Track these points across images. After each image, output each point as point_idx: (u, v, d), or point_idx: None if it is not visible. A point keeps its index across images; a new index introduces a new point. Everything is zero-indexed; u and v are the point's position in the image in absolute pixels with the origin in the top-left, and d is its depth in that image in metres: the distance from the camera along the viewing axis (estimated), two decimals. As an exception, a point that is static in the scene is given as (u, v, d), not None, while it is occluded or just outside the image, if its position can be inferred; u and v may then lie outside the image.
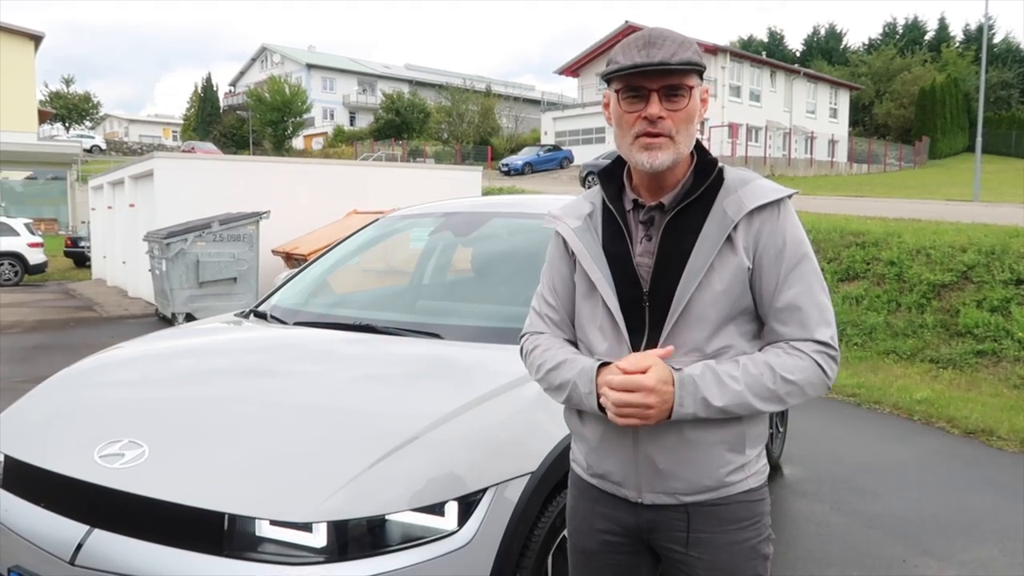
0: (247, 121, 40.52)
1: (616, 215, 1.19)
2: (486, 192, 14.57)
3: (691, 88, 1.11)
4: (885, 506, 3.11)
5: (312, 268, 2.83)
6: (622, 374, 1.07)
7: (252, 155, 31.50)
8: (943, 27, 45.62)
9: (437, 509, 1.43)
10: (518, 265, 2.49)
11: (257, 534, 1.38)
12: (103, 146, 37.28)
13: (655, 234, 1.16)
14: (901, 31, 45.68)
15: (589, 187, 1.40)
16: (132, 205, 10.72)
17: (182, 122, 51.31)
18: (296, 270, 2.88)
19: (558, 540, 1.65)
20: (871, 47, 44.74)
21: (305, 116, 38.83)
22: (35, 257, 13.81)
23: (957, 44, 43.05)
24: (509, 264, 2.59)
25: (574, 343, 1.25)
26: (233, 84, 51.27)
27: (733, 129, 27.27)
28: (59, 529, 1.48)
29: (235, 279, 8.00)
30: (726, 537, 1.16)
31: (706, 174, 1.16)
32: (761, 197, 1.13)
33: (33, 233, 14.27)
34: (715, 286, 1.12)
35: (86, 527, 1.45)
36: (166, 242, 7.59)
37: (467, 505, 1.46)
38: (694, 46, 1.11)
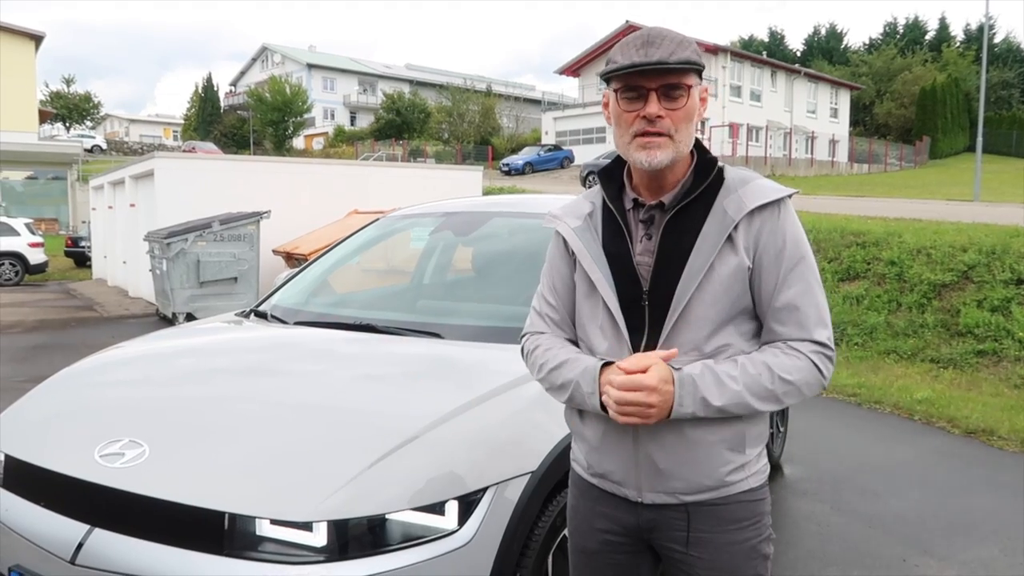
0: (248, 121, 40.55)
1: (616, 214, 1.20)
2: (487, 192, 14.57)
3: (690, 87, 1.11)
4: (886, 506, 3.11)
5: (312, 268, 2.83)
6: (624, 374, 1.07)
7: (253, 155, 31.50)
8: (944, 27, 45.60)
9: (437, 508, 1.43)
10: (518, 265, 2.49)
11: (257, 533, 1.38)
12: (104, 146, 37.30)
13: (655, 233, 1.16)
14: (902, 31, 45.65)
15: (589, 187, 1.40)
16: (133, 205, 10.73)
17: (183, 122, 51.33)
18: (296, 270, 2.88)
19: (558, 539, 1.65)
20: (872, 47, 44.71)
21: (306, 116, 38.84)
22: (36, 257, 13.82)
23: (958, 44, 43.03)
24: (509, 264, 2.59)
25: (575, 342, 1.25)
26: (234, 84, 51.30)
27: (734, 129, 27.26)
28: (60, 528, 1.48)
29: (236, 279, 8.01)
30: (726, 537, 1.16)
31: (706, 173, 1.17)
32: (762, 197, 1.14)
33: (34, 233, 14.28)
34: (715, 285, 1.12)
35: (86, 526, 1.45)
36: (167, 242, 7.60)
37: (467, 504, 1.46)
38: (693, 45, 1.11)
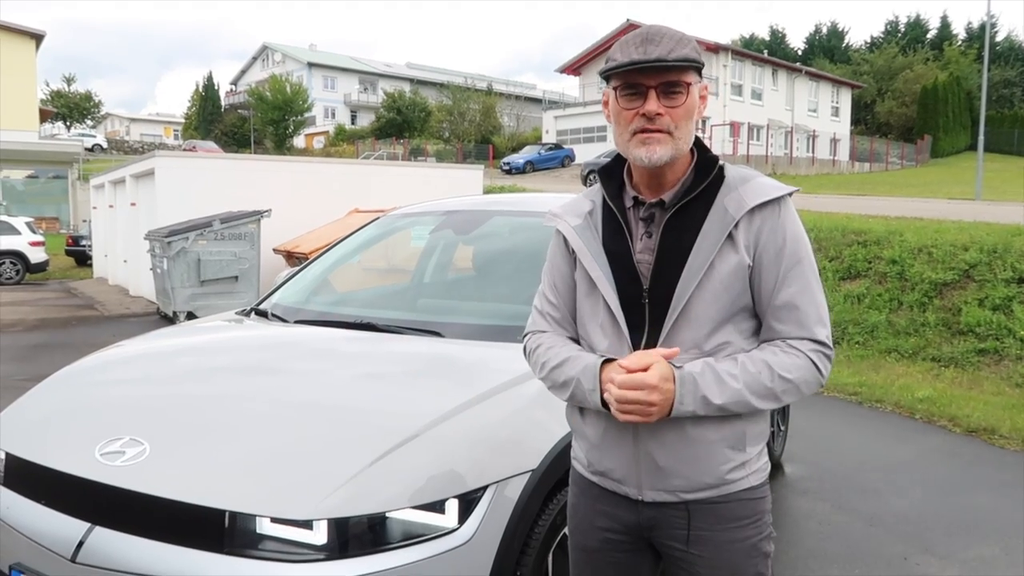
0: (248, 120, 40.56)
1: (616, 212, 1.19)
2: (487, 191, 14.57)
3: (689, 85, 1.11)
4: (886, 504, 3.10)
5: (313, 266, 2.83)
6: (625, 372, 1.07)
7: (253, 154, 31.52)
8: (945, 25, 45.53)
9: (438, 507, 1.43)
10: (519, 263, 2.48)
11: (258, 531, 1.38)
12: (104, 145, 37.32)
13: (655, 231, 1.16)
14: (903, 29, 45.57)
15: (590, 186, 1.40)
16: (133, 204, 10.74)
17: (183, 121, 51.34)
18: (297, 268, 2.88)
19: (559, 538, 1.65)
20: (873, 45, 44.64)
21: (306, 115, 38.85)
22: (36, 256, 13.83)
23: (959, 42, 42.95)
24: (510, 262, 2.59)
25: (577, 341, 1.25)
26: (234, 83, 51.30)
27: (735, 128, 27.23)
28: (60, 527, 1.48)
29: (236, 278, 8.01)
30: (727, 535, 1.16)
31: (707, 172, 1.16)
32: (762, 195, 1.13)
33: (34, 232, 14.29)
34: (715, 284, 1.12)
35: (87, 525, 1.45)
36: (167, 241, 7.60)
37: (468, 503, 1.46)
38: (692, 43, 1.11)
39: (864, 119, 39.43)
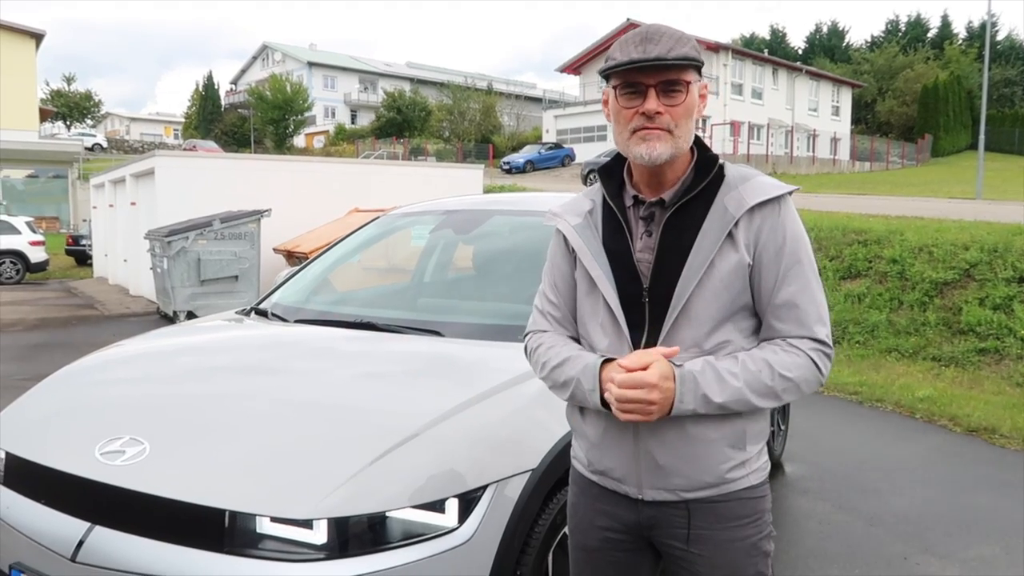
0: (248, 119, 40.55)
1: (616, 211, 1.19)
2: (487, 190, 14.56)
3: (688, 83, 1.11)
4: (887, 504, 3.10)
5: (313, 266, 2.83)
6: (625, 371, 1.07)
7: (253, 153, 31.51)
8: (946, 24, 45.49)
9: (438, 506, 1.43)
10: (519, 263, 2.48)
11: (258, 531, 1.38)
12: (104, 144, 37.31)
13: (655, 230, 1.16)
14: (904, 28, 45.55)
15: (590, 185, 1.40)
16: (133, 203, 10.73)
17: (183, 120, 51.35)
18: (297, 268, 2.88)
19: (559, 537, 1.65)
20: (873, 45, 44.61)
21: (306, 114, 38.84)
22: (36, 255, 13.82)
23: (960, 41, 42.92)
24: (510, 262, 2.59)
25: (578, 340, 1.25)
26: (234, 82, 51.29)
27: (735, 127, 27.22)
28: (60, 526, 1.48)
29: (236, 277, 8.01)
30: (727, 534, 1.16)
31: (707, 170, 1.16)
32: (762, 193, 1.13)
33: (34, 231, 14.29)
34: (715, 282, 1.12)
35: (87, 524, 1.45)
36: (167, 240, 7.60)
37: (468, 502, 1.46)
38: (692, 42, 1.11)
39: (864, 118, 39.41)
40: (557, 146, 29.06)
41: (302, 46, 50.23)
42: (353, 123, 45.44)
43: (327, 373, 1.93)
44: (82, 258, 16.06)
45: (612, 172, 1.23)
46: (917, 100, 36.16)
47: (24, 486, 1.62)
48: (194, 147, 31.22)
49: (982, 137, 18.89)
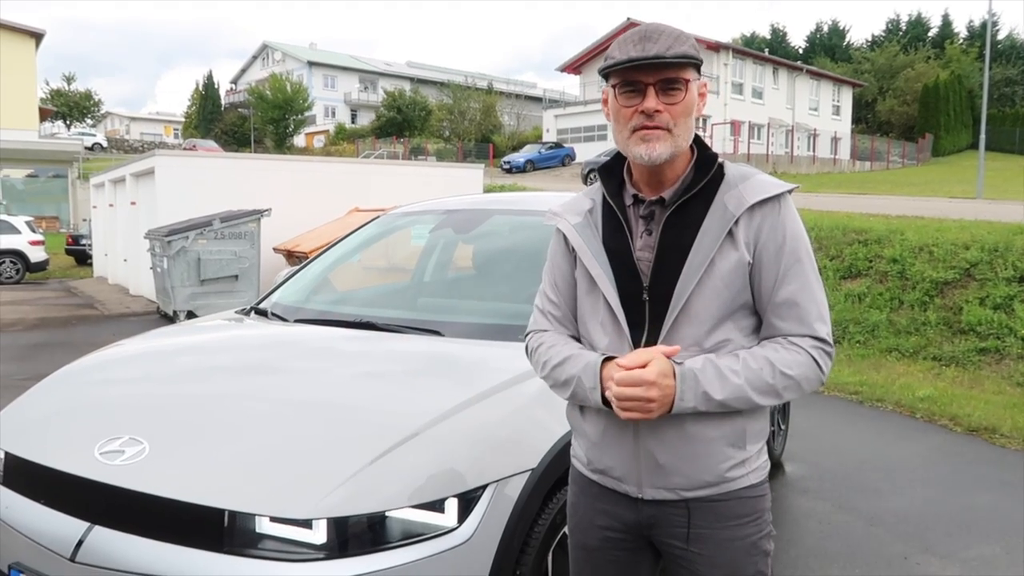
0: (248, 119, 40.55)
1: (616, 210, 1.19)
2: (488, 190, 14.56)
3: (687, 81, 1.11)
4: (887, 504, 3.10)
5: (313, 265, 2.82)
6: (623, 370, 1.07)
7: (253, 153, 31.50)
8: (947, 24, 45.46)
9: (437, 506, 1.43)
10: (519, 262, 2.48)
11: (257, 531, 1.38)
12: (104, 144, 37.32)
13: (655, 229, 1.16)
14: (904, 28, 45.52)
15: (590, 184, 1.40)
16: (133, 203, 10.74)
17: (183, 120, 51.37)
18: (297, 268, 2.88)
19: (558, 537, 1.65)
20: (874, 44, 44.59)
21: (306, 114, 38.85)
22: (36, 255, 13.83)
23: (961, 41, 42.89)
24: (510, 261, 2.59)
25: (578, 339, 1.25)
26: (234, 82, 51.29)
27: (735, 126, 27.21)
28: (59, 526, 1.48)
29: (236, 277, 8.01)
30: (727, 533, 1.16)
31: (706, 169, 1.16)
32: (762, 192, 1.13)
33: (34, 231, 14.29)
34: (715, 281, 1.12)
35: (86, 524, 1.45)
36: (167, 240, 7.60)
37: (467, 502, 1.46)
38: (691, 40, 1.11)
39: (865, 118, 39.39)
40: (557, 145, 29.05)
41: (302, 45, 50.23)
42: (353, 123, 45.43)
43: (327, 373, 1.93)
44: (82, 258, 16.07)
45: (612, 171, 1.23)
46: (918, 99, 36.13)
47: (23, 486, 1.62)
48: (194, 146, 31.23)
49: (983, 136, 18.88)
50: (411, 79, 47.27)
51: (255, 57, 50.53)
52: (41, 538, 1.49)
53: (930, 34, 44.58)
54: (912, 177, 25.86)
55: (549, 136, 31.78)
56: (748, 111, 29.28)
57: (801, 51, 45.46)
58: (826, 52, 44.00)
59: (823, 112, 34.13)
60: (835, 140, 32.54)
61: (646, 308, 1.14)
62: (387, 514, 1.39)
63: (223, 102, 46.87)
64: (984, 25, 33.03)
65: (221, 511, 1.37)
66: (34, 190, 23.14)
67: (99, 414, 1.76)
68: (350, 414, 1.65)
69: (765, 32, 47.72)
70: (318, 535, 1.36)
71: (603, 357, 1.13)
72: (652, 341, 1.14)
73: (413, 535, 1.40)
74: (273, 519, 1.37)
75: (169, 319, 7.85)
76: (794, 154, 29.77)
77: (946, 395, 4.78)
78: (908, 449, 3.88)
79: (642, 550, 1.23)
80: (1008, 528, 2.87)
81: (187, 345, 2.35)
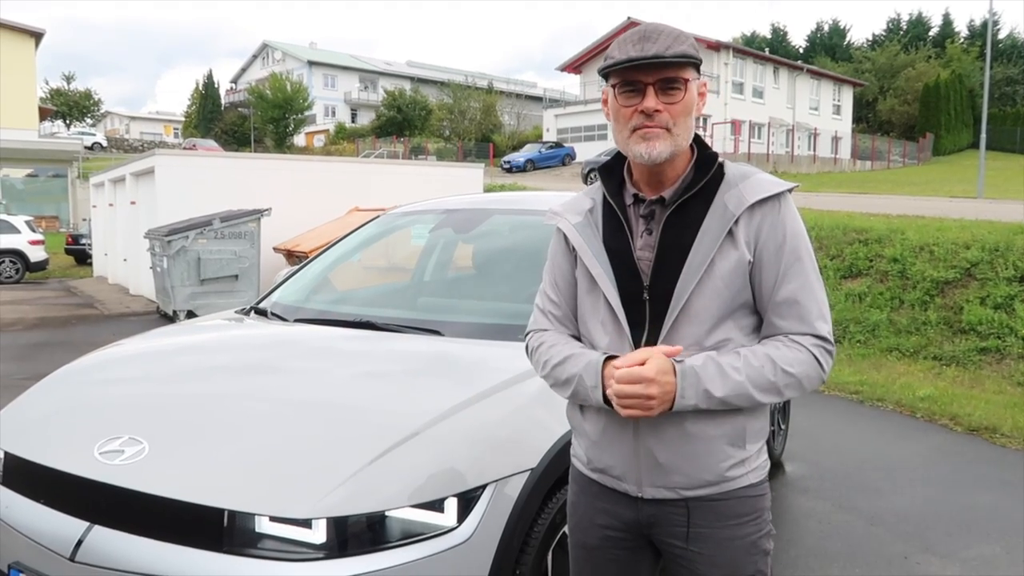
0: (248, 118, 40.55)
1: (616, 210, 1.20)
2: (488, 189, 14.56)
3: (687, 81, 1.11)
4: (887, 503, 3.10)
5: (313, 265, 2.82)
6: (623, 368, 1.07)
7: (253, 152, 31.51)
8: (947, 23, 45.43)
9: (437, 505, 1.43)
10: (519, 262, 2.48)
11: (257, 530, 1.38)
12: (104, 143, 37.33)
13: (656, 228, 1.16)
14: (905, 27, 45.49)
15: (590, 184, 1.40)
16: (133, 202, 10.74)
17: (183, 119, 51.37)
18: (297, 267, 2.87)
19: (558, 536, 1.65)
20: (875, 43, 44.57)
21: (306, 113, 38.85)
22: (36, 255, 13.83)
23: (961, 40, 42.85)
24: (510, 261, 2.59)
25: (579, 338, 1.25)
26: (234, 81, 51.28)
27: (736, 126, 27.20)
28: (59, 525, 1.48)
29: (236, 276, 8.01)
30: (726, 532, 1.16)
31: (707, 168, 1.17)
32: (762, 191, 1.13)
33: (34, 231, 14.29)
34: (716, 280, 1.12)
35: (86, 523, 1.45)
36: (167, 239, 7.60)
37: (467, 501, 1.46)
38: (690, 40, 1.12)
39: (866, 117, 39.38)
40: (557, 145, 29.05)
41: (302, 45, 50.22)
42: (353, 122, 45.42)
43: (327, 372, 1.92)
44: (82, 257, 16.07)
45: (612, 171, 1.23)
46: (918, 99, 36.12)
47: (23, 485, 1.62)
48: (194, 146, 31.23)
49: (983, 136, 18.86)
50: (411, 79, 47.26)
51: (255, 56, 50.52)
52: (41, 538, 1.49)
53: (931, 33, 44.55)
54: (913, 176, 25.85)
55: (549, 136, 31.77)
56: (748, 110, 29.27)
57: (802, 50, 45.44)
58: (827, 51, 43.99)
59: (824, 111, 34.12)
60: (836, 139, 32.54)
61: (646, 307, 1.14)
62: (387, 514, 1.39)
63: (223, 101, 46.87)
64: (985, 24, 33.03)
65: (221, 511, 1.37)
66: (34, 190, 23.15)
67: (99, 414, 1.76)
68: (350, 414, 1.65)
69: (766, 31, 47.76)
70: (318, 535, 1.35)
71: (605, 356, 1.13)
72: (652, 340, 1.14)
73: (413, 535, 1.40)
74: (273, 519, 1.37)
75: (169, 319, 7.85)
76: (795, 153, 29.76)
77: (946, 395, 4.78)
78: (908, 449, 3.88)
79: (642, 549, 1.23)
80: (1008, 528, 2.86)
81: (187, 345, 2.35)
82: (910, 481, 3.37)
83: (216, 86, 47.32)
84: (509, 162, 27.27)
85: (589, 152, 26.66)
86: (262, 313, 2.50)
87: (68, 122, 43.61)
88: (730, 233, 1.12)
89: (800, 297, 1.13)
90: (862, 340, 6.22)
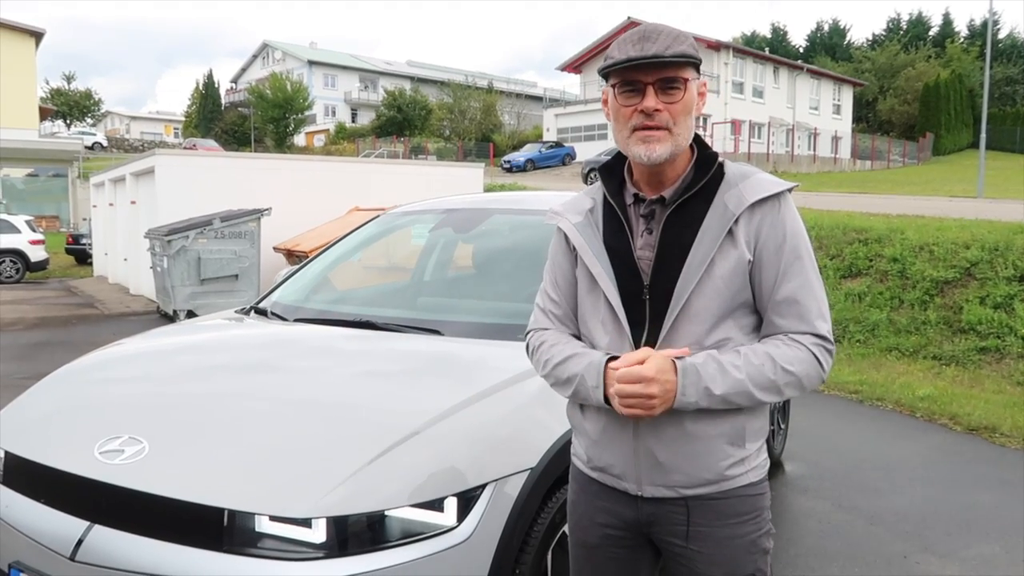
0: (249, 118, 40.55)
1: (617, 210, 1.20)
2: (488, 189, 14.56)
3: (687, 81, 1.12)
4: (887, 503, 3.10)
5: (313, 265, 2.82)
6: (622, 368, 1.07)
7: (254, 152, 31.51)
8: (947, 22, 45.43)
9: (437, 505, 1.43)
10: (519, 262, 2.48)
11: (257, 530, 1.38)
12: (104, 143, 37.33)
13: (656, 228, 1.16)
14: (905, 26, 45.49)
15: (591, 183, 1.41)
16: (134, 202, 10.74)
17: (183, 119, 51.36)
18: (297, 267, 2.88)
19: (558, 536, 1.65)
20: (875, 43, 44.56)
21: (307, 113, 38.83)
22: (36, 254, 13.83)
23: (961, 40, 42.85)
24: (510, 260, 2.59)
25: (579, 338, 1.25)
26: (235, 81, 51.27)
27: (736, 125, 27.19)
28: (60, 525, 1.48)
29: (236, 276, 8.01)
30: (726, 531, 1.16)
31: (707, 168, 1.17)
32: (762, 191, 1.14)
33: (34, 230, 14.30)
34: (716, 279, 1.12)
35: (86, 523, 1.45)
36: (168, 239, 7.60)
37: (467, 501, 1.46)
38: (689, 40, 1.12)
39: (866, 117, 39.37)
40: (558, 145, 29.05)
41: (303, 45, 50.21)
42: (353, 122, 45.41)
43: (326, 372, 1.93)
44: (82, 257, 16.07)
45: (612, 170, 1.23)
46: (918, 98, 36.11)
47: (23, 485, 1.62)
48: (194, 146, 31.23)
49: (983, 136, 18.85)
50: (411, 78, 47.25)
51: (255, 56, 50.51)
52: (41, 537, 1.49)
53: (931, 33, 44.54)
54: (913, 176, 25.85)
55: (549, 135, 31.77)
56: (749, 110, 29.27)
57: (802, 50, 45.43)
58: (827, 51, 43.98)
59: (824, 111, 34.12)
60: (836, 139, 32.53)
61: (646, 307, 1.15)
62: (386, 513, 1.39)
63: (223, 101, 46.85)
64: (985, 24, 33.02)
65: (221, 510, 1.37)
66: (34, 189, 23.15)
67: (99, 413, 1.76)
68: (350, 413, 1.65)
69: (766, 31, 47.75)
70: (317, 534, 1.36)
71: (607, 356, 1.13)
72: (652, 339, 1.14)
73: (412, 534, 1.40)
74: (273, 518, 1.37)
75: (169, 318, 7.86)
76: (795, 153, 29.75)
77: (946, 394, 4.78)
78: (908, 448, 3.88)
79: (642, 548, 1.23)
80: (1008, 527, 2.87)
81: (187, 344, 2.35)
82: (909, 480, 3.37)
83: (216, 86, 47.31)
84: (509, 162, 27.26)
85: (589, 152, 26.66)
86: (262, 313, 2.50)
87: (68, 122, 43.61)
88: (730, 232, 1.12)
89: (800, 296, 1.13)
90: (862, 340, 6.22)
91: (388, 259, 3.33)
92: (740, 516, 1.17)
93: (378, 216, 3.06)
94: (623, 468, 1.18)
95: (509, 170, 26.67)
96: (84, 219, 18.55)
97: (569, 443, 1.33)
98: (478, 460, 1.52)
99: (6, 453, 1.70)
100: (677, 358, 1.09)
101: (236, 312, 2.64)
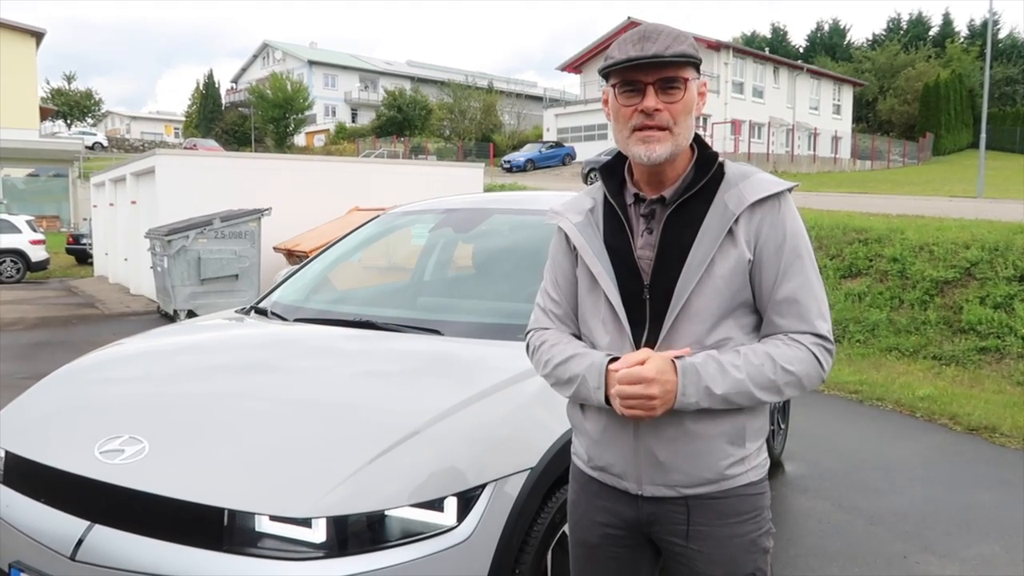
0: (249, 118, 40.56)
1: (617, 209, 1.20)
2: (488, 189, 14.57)
3: (687, 80, 1.12)
4: (887, 503, 3.10)
5: (313, 265, 2.83)
6: (623, 369, 1.07)
7: (254, 152, 31.52)
8: (947, 22, 45.42)
9: (436, 504, 1.43)
10: (519, 261, 2.48)
11: (257, 529, 1.38)
12: (105, 143, 37.34)
13: (656, 227, 1.16)
14: (905, 26, 45.49)
15: (591, 183, 1.41)
16: (134, 202, 10.74)
17: (184, 119, 51.37)
18: (297, 267, 2.88)
19: (558, 536, 1.65)
20: (875, 43, 44.56)
21: (307, 113, 38.84)
22: (37, 254, 13.84)
23: (961, 40, 42.84)
24: (510, 260, 2.59)
25: (579, 337, 1.26)
26: (235, 81, 51.28)
27: (736, 125, 27.19)
28: (60, 525, 1.48)
29: (237, 276, 8.01)
30: (726, 530, 1.16)
31: (707, 168, 1.17)
32: (762, 190, 1.14)
33: (35, 230, 14.30)
34: (716, 279, 1.12)
35: (87, 523, 1.45)
36: (168, 239, 7.60)
37: (467, 500, 1.46)
38: (689, 39, 1.12)
39: (866, 117, 39.37)
40: (558, 145, 29.05)
41: (303, 45, 50.21)
42: (353, 122, 45.40)
43: (326, 372, 1.93)
44: (82, 257, 16.08)
45: (613, 170, 1.24)
46: (918, 98, 36.10)
47: (24, 485, 1.62)
48: (194, 146, 31.23)
49: (983, 136, 18.85)
50: (411, 78, 47.25)
51: (255, 56, 50.51)
52: (41, 537, 1.49)
53: (931, 33, 44.53)
54: (913, 176, 25.84)
55: (549, 135, 31.77)
56: (749, 110, 29.26)
57: (802, 50, 45.43)
58: (827, 51, 43.98)
59: (824, 111, 34.12)
60: (836, 139, 32.53)
61: (647, 306, 1.15)
62: (386, 513, 1.39)
63: (224, 101, 46.85)
64: (985, 24, 33.02)
65: (221, 510, 1.37)
66: (35, 189, 23.15)
67: (99, 413, 1.76)
68: (350, 413, 1.65)
69: (766, 31, 47.75)
70: (317, 534, 1.36)
71: (609, 357, 1.13)
72: (653, 339, 1.14)
73: (412, 534, 1.41)
74: (273, 518, 1.37)
75: (169, 318, 7.86)
76: (795, 153, 29.75)
77: (946, 394, 4.78)
78: (908, 448, 3.88)
79: (642, 547, 1.23)
80: (1008, 527, 2.87)
81: (187, 344, 2.35)
82: (909, 480, 3.37)
83: (216, 86, 47.31)
84: (509, 162, 27.26)
85: (589, 152, 26.66)
86: (262, 312, 2.50)
87: (69, 122, 43.61)
88: (730, 232, 1.12)
89: (800, 296, 1.14)
90: (862, 340, 6.22)
91: (388, 259, 3.33)
92: (740, 515, 1.17)
93: (378, 216, 3.06)
94: (623, 467, 1.18)
95: (509, 170, 26.67)
96: (84, 219, 18.55)
97: (569, 443, 1.34)
98: (478, 460, 1.52)
99: (6, 453, 1.70)
100: (677, 358, 1.09)
101: (236, 312, 2.64)
